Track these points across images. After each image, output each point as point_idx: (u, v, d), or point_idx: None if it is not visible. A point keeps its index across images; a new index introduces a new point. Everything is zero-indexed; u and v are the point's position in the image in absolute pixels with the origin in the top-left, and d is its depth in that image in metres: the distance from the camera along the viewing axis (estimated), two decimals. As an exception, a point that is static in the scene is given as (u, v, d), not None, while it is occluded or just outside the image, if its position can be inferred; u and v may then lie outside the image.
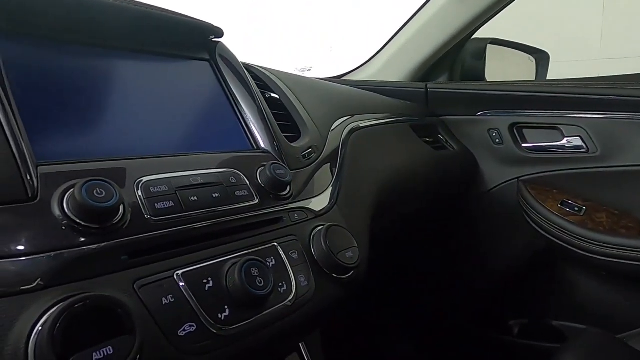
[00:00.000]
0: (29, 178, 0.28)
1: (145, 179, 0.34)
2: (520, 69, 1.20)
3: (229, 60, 0.52)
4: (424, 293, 1.09)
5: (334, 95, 0.81)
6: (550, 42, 1.38)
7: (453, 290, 1.06)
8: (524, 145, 0.95)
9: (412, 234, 0.99)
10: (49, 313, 0.24)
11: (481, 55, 1.12)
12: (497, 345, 1.01)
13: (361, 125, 0.75)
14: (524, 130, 0.96)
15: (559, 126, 0.91)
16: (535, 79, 1.13)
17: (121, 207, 0.30)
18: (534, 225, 0.92)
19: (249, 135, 0.48)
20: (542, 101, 0.92)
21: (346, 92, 0.87)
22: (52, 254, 0.27)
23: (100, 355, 0.24)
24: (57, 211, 0.28)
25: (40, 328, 0.24)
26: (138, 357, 0.25)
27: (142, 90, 0.42)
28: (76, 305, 0.24)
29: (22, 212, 0.27)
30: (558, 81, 0.99)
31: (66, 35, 0.38)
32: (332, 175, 0.55)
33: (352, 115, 0.75)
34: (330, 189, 0.52)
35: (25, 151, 0.29)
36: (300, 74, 0.89)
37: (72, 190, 0.29)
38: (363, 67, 1.12)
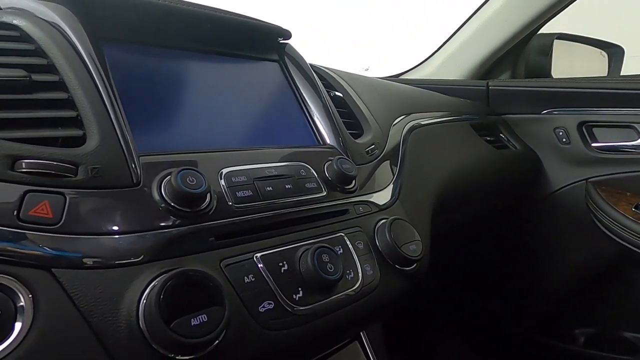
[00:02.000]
0: (133, 167, 0.33)
1: (227, 169, 0.37)
2: (591, 65, 1.14)
3: (297, 60, 0.55)
4: (482, 297, 1.07)
5: (393, 94, 0.82)
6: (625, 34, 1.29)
7: (512, 296, 1.04)
8: (593, 144, 0.91)
9: (470, 235, 0.98)
10: (154, 283, 0.28)
11: (547, 51, 1.08)
12: (560, 355, 0.97)
13: (422, 123, 0.75)
14: (594, 129, 0.92)
15: (634, 124, 0.86)
16: (608, 75, 1.07)
17: (208, 194, 0.34)
18: (604, 230, 0.88)
19: (316, 132, 0.50)
20: (615, 98, 0.87)
21: (405, 91, 0.88)
22: (154, 232, 0.31)
23: (197, 321, 0.27)
24: (156, 195, 0.32)
25: (147, 295, 0.28)
26: (226, 326, 0.29)
27: (221, 89, 0.46)
28: (176, 278, 0.28)
29: (128, 196, 0.31)
30: (633, 77, 0.93)
31: (157, 41, 0.43)
32: (394, 172, 0.56)
33: (412, 114, 0.76)
34: (392, 184, 0.53)
35: (130, 144, 0.33)
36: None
37: (168, 177, 0.33)
38: (421, 65, 1.12)
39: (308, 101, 0.52)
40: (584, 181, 0.92)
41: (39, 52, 0.35)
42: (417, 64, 1.13)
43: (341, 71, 0.70)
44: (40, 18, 0.36)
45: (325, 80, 0.62)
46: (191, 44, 0.45)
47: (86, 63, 0.34)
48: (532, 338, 1.00)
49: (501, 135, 0.98)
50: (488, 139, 0.93)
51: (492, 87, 1.00)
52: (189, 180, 0.32)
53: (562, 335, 0.97)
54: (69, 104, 0.33)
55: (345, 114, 0.58)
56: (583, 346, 0.95)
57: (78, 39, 0.35)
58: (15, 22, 0.36)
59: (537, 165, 0.97)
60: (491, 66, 1.04)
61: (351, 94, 0.63)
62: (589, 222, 0.90)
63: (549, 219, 0.97)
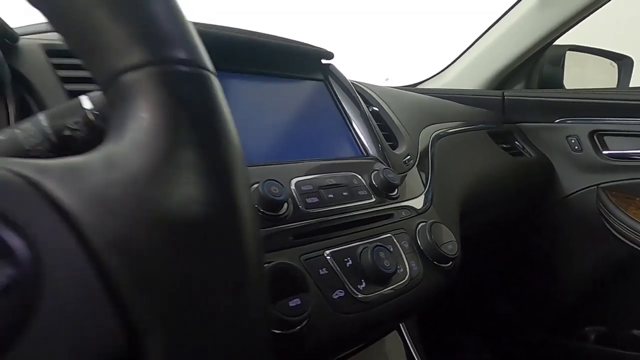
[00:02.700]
0: None
1: (296, 179, 0.44)
2: (601, 75, 1.21)
3: (340, 79, 0.62)
4: (499, 299, 1.14)
5: (417, 104, 0.89)
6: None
7: (528, 297, 1.10)
8: (604, 152, 0.98)
9: (489, 239, 1.05)
10: None
11: (559, 62, 1.15)
12: (572, 352, 1.04)
13: (445, 132, 0.83)
14: (605, 137, 0.99)
15: (641, 134, 0.93)
16: (618, 85, 1.14)
17: (286, 201, 0.41)
18: (615, 233, 0.94)
19: (360, 144, 0.57)
20: (625, 108, 0.94)
21: (427, 101, 0.95)
22: None
23: (293, 304, 0.34)
24: None
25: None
26: (311, 310, 0.36)
27: (278, 107, 0.53)
28: (274, 268, 0.35)
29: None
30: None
31: (225, 66, 0.50)
32: (424, 179, 0.63)
33: (435, 123, 0.83)
34: (425, 191, 0.60)
35: None
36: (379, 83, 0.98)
37: (256, 186, 0.40)
38: (438, 75, 1.19)
39: (351, 116, 0.59)
40: (595, 187, 0.99)
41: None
42: (434, 73, 1.20)
43: (373, 85, 0.78)
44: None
45: (362, 96, 0.69)
46: (250, 68, 0.53)
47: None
48: (547, 337, 1.06)
49: (516, 142, 1.04)
50: (504, 146, 1.00)
51: (508, 97, 1.07)
52: (273, 189, 0.39)
53: (575, 333, 1.04)
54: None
55: (382, 127, 0.65)
56: (594, 343, 1.01)
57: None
58: None
59: (550, 172, 1.04)
60: (506, 77, 1.11)
61: (384, 107, 0.70)
62: (600, 225, 0.97)
63: (562, 222, 1.03)
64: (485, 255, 1.10)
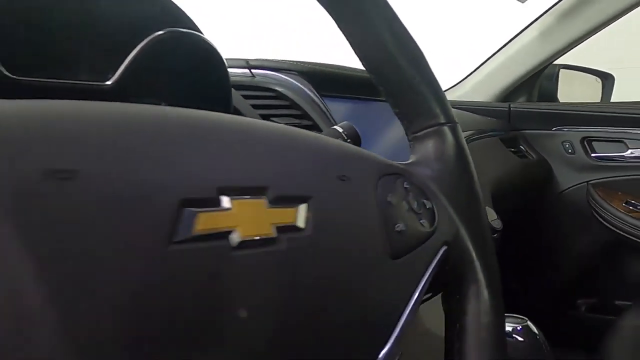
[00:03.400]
0: None
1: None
2: (588, 90, 1.44)
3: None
4: (509, 276, 1.35)
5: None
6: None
7: (532, 275, 1.32)
8: (593, 155, 1.21)
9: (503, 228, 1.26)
10: None
11: (554, 79, 1.37)
12: (567, 319, 1.26)
13: (470, 138, 1.03)
14: (594, 143, 1.21)
15: (624, 140, 1.16)
16: (602, 99, 1.37)
17: None
18: (601, 221, 1.17)
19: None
20: (610, 119, 1.17)
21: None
22: None
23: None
24: None
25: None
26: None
27: (376, 121, 0.73)
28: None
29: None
30: (622, 103, 1.24)
31: (333, 94, 0.70)
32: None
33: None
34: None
35: None
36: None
37: None
38: (453, 88, 1.40)
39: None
40: (586, 183, 1.21)
41: (295, 106, 0.61)
42: (449, 87, 1.42)
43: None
44: (288, 84, 0.63)
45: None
46: (353, 94, 0.72)
47: (324, 110, 0.61)
48: (548, 308, 1.28)
49: (521, 147, 1.26)
50: (512, 150, 1.22)
51: (513, 108, 1.29)
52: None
53: (570, 305, 1.26)
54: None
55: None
56: (586, 312, 1.24)
57: (316, 96, 0.61)
58: (273, 87, 0.62)
59: (549, 171, 1.26)
60: (512, 91, 1.33)
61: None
62: (589, 215, 1.19)
63: (558, 213, 1.26)
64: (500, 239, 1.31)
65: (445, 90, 1.34)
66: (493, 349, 0.30)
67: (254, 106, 0.57)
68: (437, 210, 0.29)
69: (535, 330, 0.51)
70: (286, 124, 0.55)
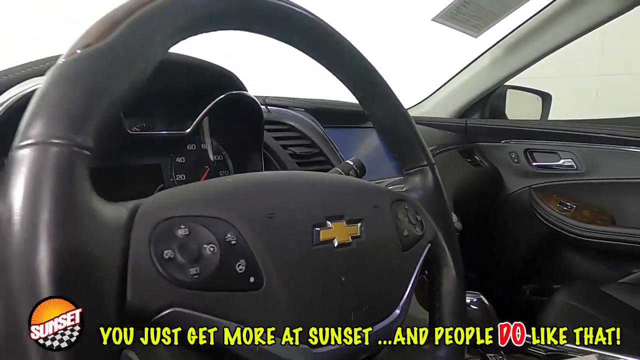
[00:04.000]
0: None
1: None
2: (531, 107, 1.69)
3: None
4: (467, 268, 1.58)
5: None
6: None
7: (486, 266, 1.55)
8: (534, 164, 1.45)
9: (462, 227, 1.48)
10: None
11: (503, 98, 1.62)
12: (515, 302, 1.50)
13: (434, 152, 1.24)
14: (534, 153, 1.46)
15: (557, 151, 1.41)
16: (542, 115, 1.63)
17: None
18: (541, 219, 1.41)
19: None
20: (546, 135, 1.42)
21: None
22: None
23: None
24: None
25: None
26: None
27: (365, 143, 0.92)
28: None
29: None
30: (555, 121, 1.49)
31: (333, 124, 0.88)
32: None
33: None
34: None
35: None
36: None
37: None
38: (419, 105, 1.61)
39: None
40: (528, 187, 1.46)
41: (304, 137, 0.78)
42: (414, 104, 1.63)
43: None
44: (297, 119, 0.80)
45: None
46: (345, 123, 0.90)
47: (326, 139, 0.78)
48: (499, 294, 1.52)
49: (476, 157, 1.49)
50: (468, 160, 1.44)
51: (469, 124, 1.51)
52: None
53: (517, 290, 1.50)
54: (329, 162, 0.77)
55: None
56: (530, 295, 1.48)
57: (320, 128, 0.79)
58: (286, 121, 0.79)
59: (499, 177, 1.49)
60: (468, 109, 1.56)
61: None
62: (532, 213, 1.43)
63: (507, 212, 1.50)
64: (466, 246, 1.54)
65: (412, 107, 1.56)
66: (458, 306, 0.49)
67: (274, 137, 0.74)
68: (424, 222, 0.47)
69: (486, 302, 0.71)
70: (300, 152, 0.73)
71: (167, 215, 0.26)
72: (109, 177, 0.53)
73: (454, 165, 1.36)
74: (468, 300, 0.70)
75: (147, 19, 0.27)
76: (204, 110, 0.57)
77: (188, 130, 0.57)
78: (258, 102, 0.63)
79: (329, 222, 0.35)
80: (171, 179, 0.60)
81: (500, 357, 0.68)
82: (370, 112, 0.49)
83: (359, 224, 0.38)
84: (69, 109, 0.23)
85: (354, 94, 0.48)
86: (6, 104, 0.41)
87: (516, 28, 1.33)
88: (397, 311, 0.40)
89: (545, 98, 1.69)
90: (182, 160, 0.64)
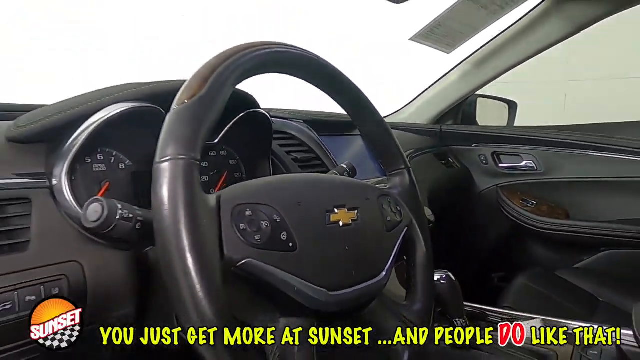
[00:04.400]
0: None
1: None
2: (498, 113, 1.89)
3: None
4: (440, 257, 1.76)
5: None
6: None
7: (457, 256, 1.73)
8: (500, 165, 1.64)
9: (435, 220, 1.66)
10: None
11: (474, 106, 1.80)
12: (484, 288, 1.68)
13: (412, 155, 1.41)
14: (501, 156, 1.65)
15: (520, 154, 1.60)
16: (507, 122, 1.82)
17: None
18: (506, 214, 1.60)
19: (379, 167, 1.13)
20: (510, 139, 1.61)
21: (397, 135, 1.54)
22: None
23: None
24: None
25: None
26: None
27: (352, 148, 1.08)
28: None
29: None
30: (520, 127, 1.69)
31: (330, 132, 1.03)
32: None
33: (406, 151, 1.41)
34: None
35: None
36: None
37: None
38: (398, 112, 1.78)
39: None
40: (495, 186, 1.65)
41: (303, 144, 0.94)
42: (394, 111, 1.80)
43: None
44: (297, 129, 0.95)
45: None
46: (337, 132, 1.06)
47: (321, 145, 0.94)
48: (469, 281, 1.70)
49: (449, 159, 1.67)
50: (442, 162, 1.62)
51: (443, 130, 1.70)
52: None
53: (486, 277, 1.69)
54: (324, 165, 0.93)
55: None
56: (497, 282, 1.67)
57: (316, 136, 0.95)
58: (288, 131, 0.95)
59: (470, 177, 1.68)
60: (443, 116, 1.74)
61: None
62: (498, 209, 1.62)
63: (477, 208, 1.68)
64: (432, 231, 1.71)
65: (392, 114, 1.75)
66: (428, 274, 0.65)
67: (279, 145, 0.89)
68: (402, 211, 0.64)
69: (453, 278, 0.88)
70: (300, 157, 0.88)
71: (238, 202, 0.42)
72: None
73: (430, 167, 1.54)
74: (438, 276, 0.87)
75: (224, 73, 0.43)
76: (230, 124, 0.73)
77: (216, 140, 0.72)
78: (269, 117, 0.79)
79: (336, 209, 0.51)
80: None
81: (463, 321, 0.85)
82: (361, 126, 0.65)
83: (356, 211, 0.54)
84: (186, 137, 0.39)
85: (347, 113, 0.64)
86: (97, 122, 0.56)
87: (483, 46, 1.51)
88: (383, 273, 0.56)
89: (511, 106, 1.89)
90: (206, 164, 0.78)
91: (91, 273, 0.53)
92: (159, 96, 0.61)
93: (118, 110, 0.58)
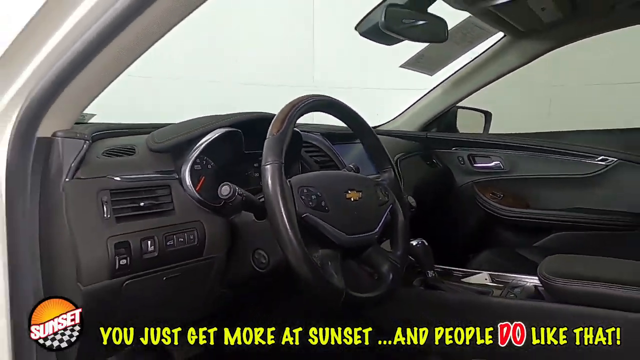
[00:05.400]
0: None
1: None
2: (475, 122, 2.29)
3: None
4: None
5: (387, 142, 1.86)
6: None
7: (439, 243, 2.13)
8: (475, 165, 2.04)
9: (421, 212, 2.06)
10: None
11: (454, 115, 2.21)
12: (462, 271, 2.08)
13: (402, 157, 1.81)
14: (476, 157, 2.05)
15: (490, 156, 2.01)
16: (483, 130, 2.22)
17: None
18: (480, 205, 2.01)
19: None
20: (482, 144, 2.01)
21: (389, 140, 1.94)
22: None
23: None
24: None
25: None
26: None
27: (355, 153, 1.48)
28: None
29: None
30: (490, 134, 2.10)
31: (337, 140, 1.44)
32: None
33: (398, 153, 1.81)
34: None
35: None
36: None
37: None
38: (392, 121, 2.19)
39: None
40: (471, 182, 2.05)
41: (321, 151, 1.33)
42: (389, 119, 2.20)
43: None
44: (316, 139, 1.35)
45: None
46: (342, 140, 1.46)
47: (334, 152, 1.34)
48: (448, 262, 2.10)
49: (433, 160, 2.07)
50: (427, 162, 2.03)
51: (429, 136, 2.10)
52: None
53: (463, 258, 2.09)
54: (336, 166, 1.32)
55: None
56: (472, 268, 2.07)
57: (329, 144, 1.35)
58: (309, 141, 1.34)
59: (451, 175, 2.08)
60: (429, 124, 2.14)
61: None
62: (474, 202, 2.02)
63: (457, 201, 2.08)
64: (417, 220, 2.11)
65: (389, 122, 2.18)
66: (405, 234, 1.06)
67: (305, 151, 1.29)
68: (389, 194, 1.04)
69: (426, 243, 1.28)
70: (319, 160, 1.29)
71: (301, 184, 0.83)
72: (236, 171, 1.09)
73: (418, 166, 1.94)
74: (415, 242, 1.27)
75: (293, 115, 0.84)
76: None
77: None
78: (300, 132, 1.19)
79: (349, 191, 0.91)
80: (254, 175, 1.15)
81: (433, 273, 1.25)
82: (361, 140, 1.06)
83: (361, 193, 0.94)
84: (277, 152, 0.79)
85: (353, 130, 1.05)
86: (206, 142, 0.96)
87: (459, 69, 1.92)
88: (376, 229, 0.96)
89: (487, 115, 2.30)
90: (256, 165, 1.18)
91: (207, 228, 0.93)
92: (241, 123, 1.01)
93: (218, 134, 0.98)
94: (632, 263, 1.11)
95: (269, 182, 0.77)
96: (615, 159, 1.77)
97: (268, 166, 0.79)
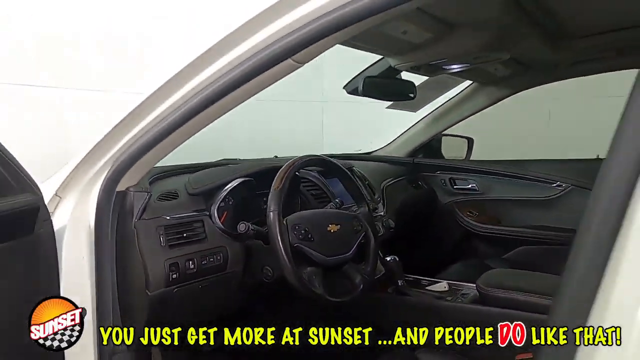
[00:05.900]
0: None
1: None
2: (458, 147, 2.63)
3: (355, 170, 1.95)
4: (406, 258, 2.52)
5: (379, 167, 2.24)
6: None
7: (420, 256, 2.49)
8: (454, 187, 2.40)
9: (406, 230, 2.43)
10: None
11: (439, 141, 2.56)
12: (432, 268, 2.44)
13: (388, 183, 2.18)
14: (456, 180, 2.41)
15: (467, 179, 2.36)
16: (465, 155, 2.57)
17: None
18: (459, 222, 2.36)
19: (365, 196, 1.90)
20: (460, 169, 2.37)
21: (380, 165, 2.31)
22: None
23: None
24: None
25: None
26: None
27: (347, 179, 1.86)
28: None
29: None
30: (468, 161, 2.45)
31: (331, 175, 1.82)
32: (383, 205, 1.97)
33: (386, 179, 2.18)
34: (385, 209, 1.94)
35: None
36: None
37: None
38: (386, 147, 2.55)
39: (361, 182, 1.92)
40: (452, 202, 2.40)
41: (314, 184, 1.71)
42: (382, 146, 2.57)
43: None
44: (313, 176, 1.73)
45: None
46: (332, 175, 1.84)
47: (326, 185, 1.72)
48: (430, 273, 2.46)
49: (419, 182, 2.43)
50: (413, 185, 2.39)
51: (416, 161, 2.46)
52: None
53: (437, 271, 2.44)
54: (328, 198, 1.70)
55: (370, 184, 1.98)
56: (444, 277, 2.42)
57: (322, 178, 1.73)
58: (307, 177, 1.72)
59: (434, 196, 2.44)
60: (417, 150, 2.50)
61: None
62: (454, 219, 2.37)
63: (439, 218, 2.44)
64: (403, 237, 2.48)
65: (382, 147, 2.59)
66: (374, 255, 1.43)
67: (303, 186, 1.68)
68: (362, 225, 1.41)
69: (397, 259, 1.65)
70: (315, 194, 1.68)
71: (294, 223, 1.22)
72: (250, 206, 1.48)
73: (405, 188, 2.30)
74: (390, 258, 1.65)
75: (289, 173, 1.23)
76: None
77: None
78: (299, 176, 1.57)
79: (330, 225, 1.29)
80: (262, 207, 1.54)
81: (402, 281, 1.62)
82: (343, 184, 1.44)
83: (339, 225, 1.32)
84: (277, 203, 1.18)
85: (337, 177, 1.43)
86: (230, 188, 1.36)
87: (439, 106, 2.28)
88: (351, 251, 1.33)
89: (469, 141, 2.65)
90: (265, 199, 1.57)
91: (229, 251, 1.32)
92: (255, 173, 1.41)
93: (237, 183, 1.37)
94: (553, 277, 1.47)
95: (272, 223, 1.16)
96: (570, 185, 2.11)
97: (271, 213, 1.17)
